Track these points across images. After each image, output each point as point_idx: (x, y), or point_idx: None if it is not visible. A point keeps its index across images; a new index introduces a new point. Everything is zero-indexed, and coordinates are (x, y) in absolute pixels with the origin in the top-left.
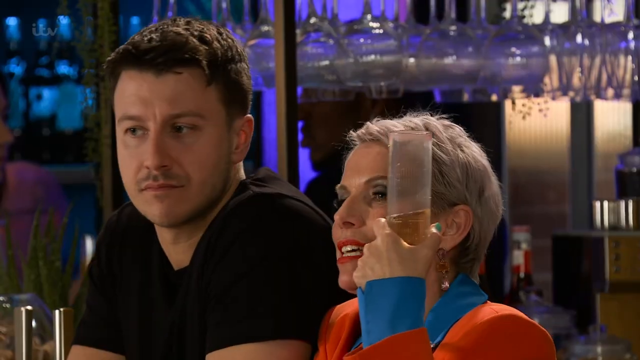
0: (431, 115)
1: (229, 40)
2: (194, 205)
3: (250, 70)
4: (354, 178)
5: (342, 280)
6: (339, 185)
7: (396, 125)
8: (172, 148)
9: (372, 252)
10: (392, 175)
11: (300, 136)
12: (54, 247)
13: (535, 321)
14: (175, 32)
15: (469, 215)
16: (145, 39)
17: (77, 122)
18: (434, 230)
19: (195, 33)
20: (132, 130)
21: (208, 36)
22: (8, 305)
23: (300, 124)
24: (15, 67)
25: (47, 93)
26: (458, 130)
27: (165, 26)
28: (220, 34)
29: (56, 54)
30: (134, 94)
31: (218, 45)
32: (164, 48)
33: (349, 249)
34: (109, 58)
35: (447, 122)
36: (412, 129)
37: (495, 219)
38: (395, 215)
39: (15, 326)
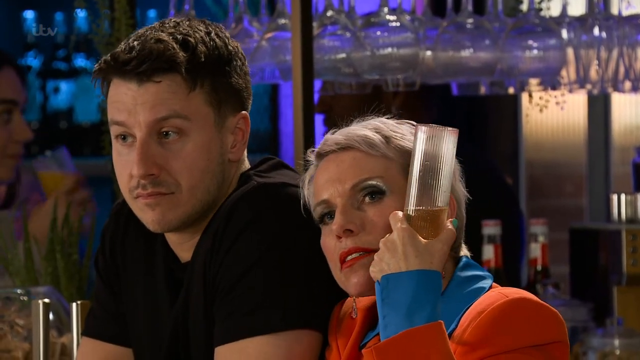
0: (378, 117)
1: (217, 40)
2: (186, 210)
3: (247, 66)
4: (334, 188)
5: (353, 283)
6: (316, 202)
7: (359, 129)
8: (158, 155)
9: (388, 247)
10: (414, 169)
11: (323, 129)
12: (71, 240)
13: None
14: (156, 38)
15: (453, 202)
16: (126, 48)
17: (94, 115)
18: (449, 225)
19: (179, 37)
20: (123, 138)
21: (192, 40)
22: (25, 298)
23: (322, 117)
24: (33, 60)
25: (64, 86)
26: (408, 126)
27: (151, 31)
28: (209, 33)
29: (73, 47)
30: (120, 100)
31: (203, 48)
32: (141, 58)
33: (355, 255)
34: (95, 67)
35: (397, 121)
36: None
37: (465, 197)
38: (413, 208)
39: (33, 319)
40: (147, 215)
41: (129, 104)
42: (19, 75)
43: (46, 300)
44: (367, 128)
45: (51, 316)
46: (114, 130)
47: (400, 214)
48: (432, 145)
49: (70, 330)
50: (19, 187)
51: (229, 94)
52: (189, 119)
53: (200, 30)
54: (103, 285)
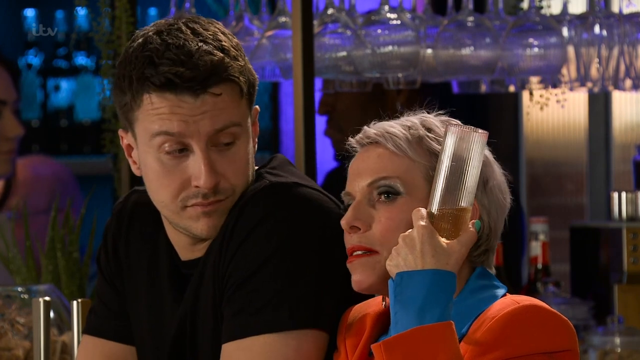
0: (428, 113)
1: (234, 39)
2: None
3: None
4: (356, 182)
5: (354, 280)
6: (343, 192)
7: (393, 125)
8: (218, 163)
9: (407, 243)
10: (441, 168)
11: (325, 127)
12: (71, 239)
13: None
14: (203, 50)
15: (476, 208)
16: (177, 61)
17: (94, 113)
18: (471, 227)
19: (217, 45)
20: (171, 150)
21: (226, 44)
22: (26, 296)
23: (325, 117)
24: (33, 59)
25: (64, 84)
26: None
27: (180, 41)
28: (225, 34)
29: (74, 45)
30: (171, 112)
31: (236, 52)
32: (205, 74)
33: (359, 253)
34: (150, 85)
35: (444, 118)
36: (408, 127)
37: (503, 207)
38: (437, 207)
39: (34, 317)
40: (201, 223)
41: (184, 115)
42: (10, 73)
43: (47, 298)
44: (403, 124)
45: (52, 314)
46: (159, 140)
47: (423, 210)
48: (460, 146)
49: (70, 328)
50: (15, 181)
51: (254, 91)
52: (241, 125)
53: (218, 32)
54: (105, 283)
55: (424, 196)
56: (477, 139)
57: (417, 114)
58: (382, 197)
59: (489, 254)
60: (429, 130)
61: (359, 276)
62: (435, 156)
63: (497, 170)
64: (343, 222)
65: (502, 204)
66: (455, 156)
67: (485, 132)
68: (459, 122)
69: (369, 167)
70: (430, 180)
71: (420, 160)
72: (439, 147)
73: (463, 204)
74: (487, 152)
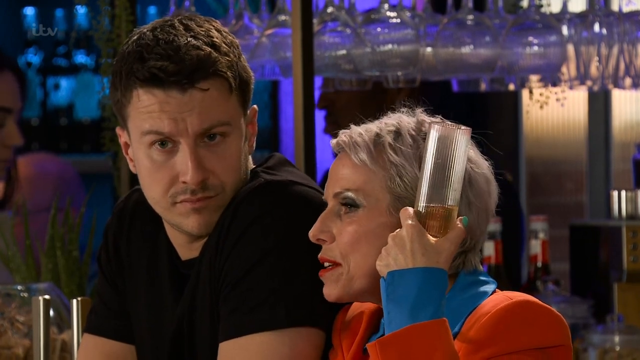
0: (411, 111)
1: (229, 37)
2: (223, 209)
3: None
4: (327, 189)
5: (324, 293)
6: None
7: (362, 133)
8: (206, 159)
9: (397, 242)
10: (426, 167)
11: (324, 124)
12: (71, 237)
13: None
14: (191, 45)
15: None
16: (163, 56)
17: (94, 111)
18: (459, 224)
19: (207, 40)
20: (161, 144)
21: (217, 40)
22: (26, 295)
23: (323, 113)
24: (33, 57)
25: (64, 83)
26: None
27: (171, 36)
28: (219, 31)
29: (74, 43)
30: (160, 110)
31: (227, 48)
32: (190, 68)
33: (327, 265)
34: (133, 80)
35: (422, 118)
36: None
37: (478, 209)
38: (424, 205)
39: (33, 315)
40: (191, 220)
41: (173, 112)
42: (18, 80)
43: (46, 296)
44: (372, 131)
45: (51, 313)
46: (150, 138)
47: (410, 210)
48: (444, 143)
49: (70, 326)
50: (16, 185)
51: (247, 89)
52: (230, 124)
53: (213, 29)
54: (106, 282)
55: (385, 207)
56: (461, 135)
57: (401, 113)
58: (344, 208)
59: (467, 255)
60: (396, 137)
61: (326, 289)
62: (395, 167)
63: (476, 172)
64: (310, 234)
65: (474, 204)
66: (439, 154)
67: (468, 128)
68: (441, 119)
69: (336, 176)
70: (390, 190)
71: (380, 171)
72: (398, 159)
73: (450, 201)
74: (471, 153)
